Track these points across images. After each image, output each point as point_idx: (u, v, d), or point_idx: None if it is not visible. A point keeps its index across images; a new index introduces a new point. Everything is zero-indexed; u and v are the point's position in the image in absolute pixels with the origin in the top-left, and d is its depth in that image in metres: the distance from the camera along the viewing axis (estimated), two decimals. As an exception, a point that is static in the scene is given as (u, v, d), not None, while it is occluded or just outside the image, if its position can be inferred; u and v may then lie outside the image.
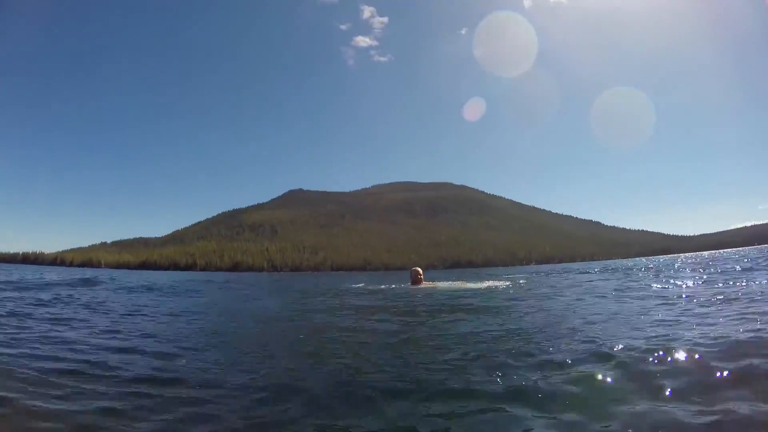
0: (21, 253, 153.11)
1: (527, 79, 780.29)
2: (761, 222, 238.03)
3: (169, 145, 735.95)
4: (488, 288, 14.09)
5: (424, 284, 14.85)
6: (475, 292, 12.59)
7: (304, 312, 9.97)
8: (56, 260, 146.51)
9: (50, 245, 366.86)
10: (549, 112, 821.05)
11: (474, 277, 24.57)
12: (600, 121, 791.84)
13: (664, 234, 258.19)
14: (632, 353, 4.23)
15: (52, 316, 8.09)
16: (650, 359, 4.04)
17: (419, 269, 15.37)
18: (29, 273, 33.47)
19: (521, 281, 17.85)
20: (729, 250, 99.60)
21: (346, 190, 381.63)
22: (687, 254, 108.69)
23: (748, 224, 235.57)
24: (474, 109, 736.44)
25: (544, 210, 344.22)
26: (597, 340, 4.91)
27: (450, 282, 16.56)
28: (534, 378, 3.71)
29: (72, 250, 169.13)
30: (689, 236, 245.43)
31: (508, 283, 16.09)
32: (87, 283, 19.98)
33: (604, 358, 4.17)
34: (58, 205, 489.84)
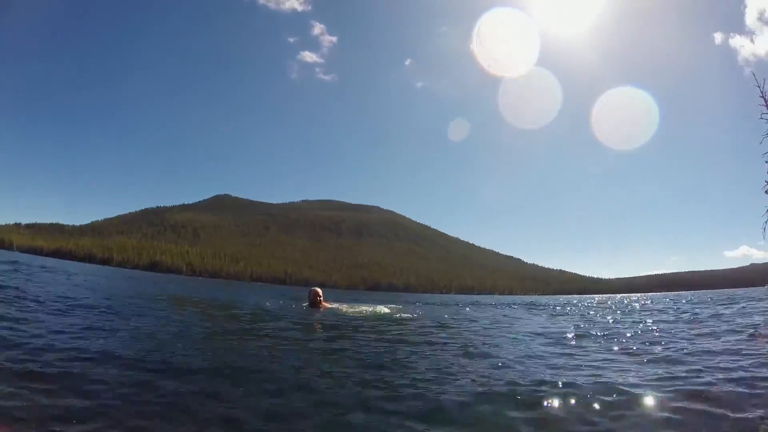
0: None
1: (473, 110, 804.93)
2: (670, 271, 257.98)
3: (99, 134, 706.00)
4: (378, 313, 13.86)
5: (324, 306, 14.05)
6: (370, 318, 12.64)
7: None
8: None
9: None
10: (484, 148, 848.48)
11: (387, 301, 24.48)
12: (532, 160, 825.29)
13: (580, 275, 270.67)
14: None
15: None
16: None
17: (319, 290, 14.39)
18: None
19: (418, 311, 16.91)
20: (638, 294, 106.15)
21: (274, 201, 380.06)
22: (598, 295, 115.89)
23: (659, 272, 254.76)
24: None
25: (467, 243, 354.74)
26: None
27: (353, 305, 15.95)
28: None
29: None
30: (604, 279, 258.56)
31: (399, 310, 15.80)
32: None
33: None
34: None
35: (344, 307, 14.60)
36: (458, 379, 5.18)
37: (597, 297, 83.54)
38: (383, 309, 15.05)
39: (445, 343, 8.16)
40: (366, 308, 14.81)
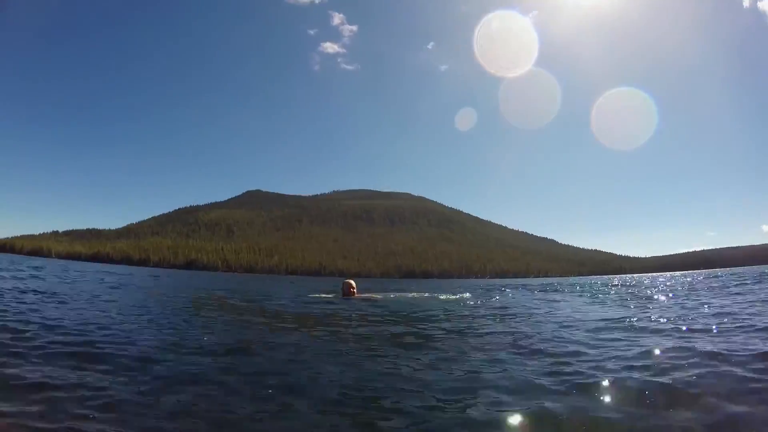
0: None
1: (494, 95, 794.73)
2: (708, 247, 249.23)
3: (129, 138, 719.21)
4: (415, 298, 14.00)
5: (357, 297, 14.04)
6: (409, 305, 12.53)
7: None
8: (5, 246, 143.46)
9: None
10: (512, 132, 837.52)
11: (423, 288, 23.89)
12: (564, 141, 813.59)
13: (616, 254, 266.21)
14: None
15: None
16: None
17: (352, 282, 14.49)
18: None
19: (466, 295, 16.96)
20: (677, 273, 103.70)
21: (305, 194, 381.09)
22: (630, 275, 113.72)
23: (697, 249, 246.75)
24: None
25: (500, 225, 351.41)
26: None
27: (388, 293, 15.77)
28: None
29: (22, 237, 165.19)
30: (640, 257, 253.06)
31: (453, 296, 15.56)
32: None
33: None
34: (10, 191, 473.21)
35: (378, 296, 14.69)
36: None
37: (642, 277, 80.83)
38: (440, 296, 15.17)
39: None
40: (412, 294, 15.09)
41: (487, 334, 7.55)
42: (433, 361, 5.41)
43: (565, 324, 8.69)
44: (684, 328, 7.66)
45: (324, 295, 15.37)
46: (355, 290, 14.20)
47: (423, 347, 6.31)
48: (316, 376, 4.63)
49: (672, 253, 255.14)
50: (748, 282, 22.82)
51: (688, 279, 32.62)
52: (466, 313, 10.85)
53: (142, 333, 6.84)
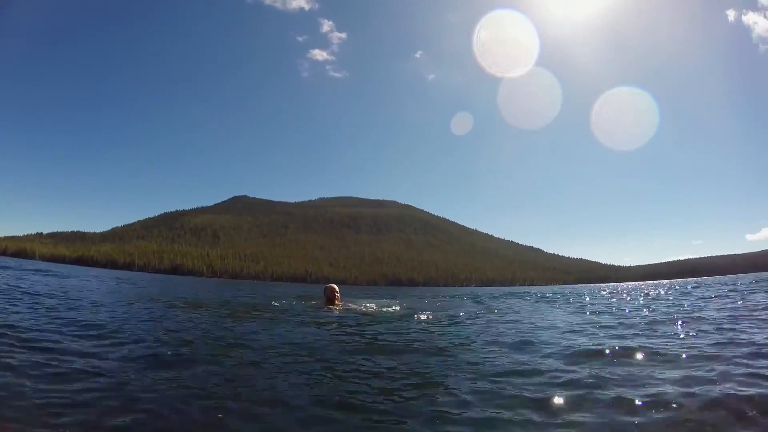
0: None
1: (481, 104, 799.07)
2: (695, 256, 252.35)
3: (116, 141, 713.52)
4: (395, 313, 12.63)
5: (339, 304, 13.09)
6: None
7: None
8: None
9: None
10: (499, 139, 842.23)
11: (409, 298, 23.07)
12: (554, 148, 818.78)
13: (601, 263, 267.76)
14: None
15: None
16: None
17: (335, 286, 13.46)
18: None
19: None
20: (663, 281, 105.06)
21: (292, 200, 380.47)
22: (614, 284, 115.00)
23: (682, 258, 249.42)
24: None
25: (487, 234, 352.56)
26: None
27: (371, 302, 14.67)
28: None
29: (5, 239, 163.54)
30: (626, 266, 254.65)
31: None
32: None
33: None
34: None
35: (359, 305, 13.57)
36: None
37: (628, 285, 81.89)
38: (395, 307, 13.94)
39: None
40: (373, 306, 13.69)
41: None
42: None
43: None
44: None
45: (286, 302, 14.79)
46: (338, 295, 13.33)
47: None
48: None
49: (658, 261, 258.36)
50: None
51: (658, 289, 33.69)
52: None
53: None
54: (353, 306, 13.38)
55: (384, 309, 13.41)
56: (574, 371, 5.11)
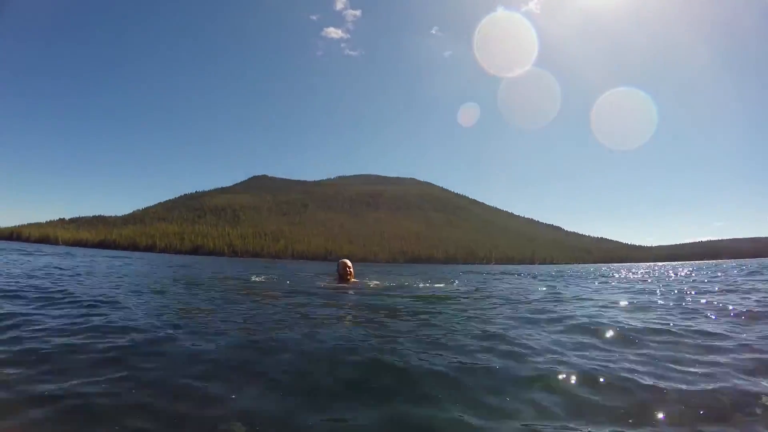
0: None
1: (504, 83, 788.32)
2: (715, 238, 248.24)
3: (134, 125, 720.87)
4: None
5: (353, 281, 12.03)
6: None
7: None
8: (12, 235, 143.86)
9: (5, 219, 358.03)
10: (521, 117, 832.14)
11: (423, 276, 19.94)
12: (583, 128, 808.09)
13: (622, 243, 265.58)
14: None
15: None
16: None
17: (348, 261, 12.29)
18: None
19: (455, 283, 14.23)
20: (686, 262, 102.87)
21: (311, 179, 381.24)
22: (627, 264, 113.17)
23: (704, 239, 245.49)
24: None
25: (506, 212, 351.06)
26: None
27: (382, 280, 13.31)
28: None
29: (29, 225, 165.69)
30: (646, 247, 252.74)
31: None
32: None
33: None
34: (15, 179, 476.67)
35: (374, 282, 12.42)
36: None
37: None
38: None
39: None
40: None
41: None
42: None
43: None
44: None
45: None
46: (352, 271, 12.18)
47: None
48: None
49: (679, 242, 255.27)
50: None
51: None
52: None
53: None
54: (374, 284, 12.07)
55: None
56: None
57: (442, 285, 12.64)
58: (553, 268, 47.72)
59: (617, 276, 22.50)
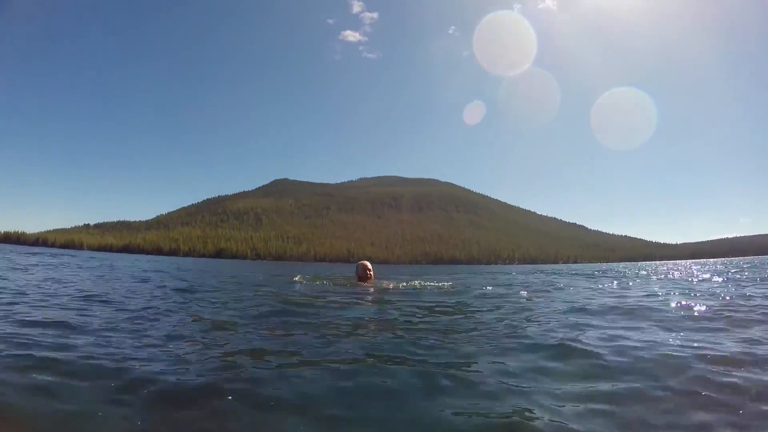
0: (2, 232, 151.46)
1: (521, 80, 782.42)
2: (741, 234, 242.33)
3: (157, 131, 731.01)
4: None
5: (370, 283, 11.74)
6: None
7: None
8: (38, 241, 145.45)
9: (32, 225, 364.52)
10: (540, 114, 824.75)
11: (445, 276, 19.61)
12: (596, 125, 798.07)
13: (646, 240, 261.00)
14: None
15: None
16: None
17: (368, 263, 12.25)
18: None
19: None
20: (711, 259, 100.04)
21: (332, 182, 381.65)
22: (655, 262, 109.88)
23: (730, 236, 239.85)
24: (474, 113, 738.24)
25: (528, 211, 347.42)
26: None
27: (404, 281, 12.56)
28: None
29: (54, 231, 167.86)
30: (671, 244, 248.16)
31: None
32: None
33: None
34: (41, 186, 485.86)
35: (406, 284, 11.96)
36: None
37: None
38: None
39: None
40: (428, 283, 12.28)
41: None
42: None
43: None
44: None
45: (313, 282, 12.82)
46: (371, 273, 12.04)
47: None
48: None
49: (704, 240, 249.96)
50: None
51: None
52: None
53: None
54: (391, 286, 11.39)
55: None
56: None
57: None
58: (591, 267, 45.99)
59: (676, 275, 19.97)
